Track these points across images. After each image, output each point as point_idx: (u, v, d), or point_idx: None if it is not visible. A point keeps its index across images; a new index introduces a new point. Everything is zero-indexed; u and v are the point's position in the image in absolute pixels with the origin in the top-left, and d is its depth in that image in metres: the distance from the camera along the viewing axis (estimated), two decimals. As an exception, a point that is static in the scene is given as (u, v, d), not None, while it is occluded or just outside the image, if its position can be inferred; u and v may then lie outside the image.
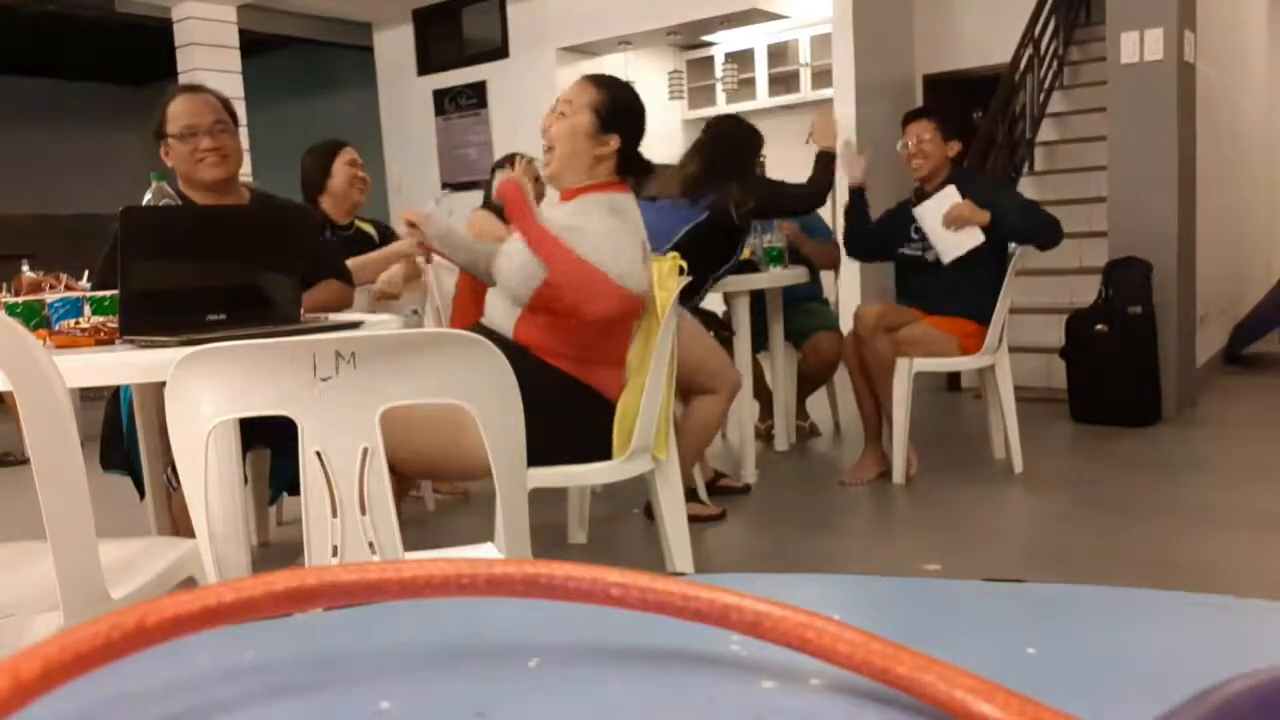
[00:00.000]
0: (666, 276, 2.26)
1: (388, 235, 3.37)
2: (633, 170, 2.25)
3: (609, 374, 2.20)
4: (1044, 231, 3.43)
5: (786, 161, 8.70)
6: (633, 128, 2.23)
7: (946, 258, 3.51)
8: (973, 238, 3.45)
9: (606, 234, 2.09)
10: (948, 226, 3.46)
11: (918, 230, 3.59)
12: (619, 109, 2.21)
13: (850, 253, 3.93)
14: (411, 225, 2.36)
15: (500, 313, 2.22)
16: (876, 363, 3.53)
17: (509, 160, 3.31)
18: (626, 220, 2.14)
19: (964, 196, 3.46)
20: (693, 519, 3.05)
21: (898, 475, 3.54)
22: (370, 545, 1.20)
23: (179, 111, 2.39)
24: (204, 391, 1.13)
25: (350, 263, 2.90)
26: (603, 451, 2.16)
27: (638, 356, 2.25)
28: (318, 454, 1.16)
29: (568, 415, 2.08)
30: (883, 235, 3.74)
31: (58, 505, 1.17)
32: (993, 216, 3.40)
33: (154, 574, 1.40)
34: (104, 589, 1.26)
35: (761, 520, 3.21)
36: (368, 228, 3.34)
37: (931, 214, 3.51)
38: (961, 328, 3.54)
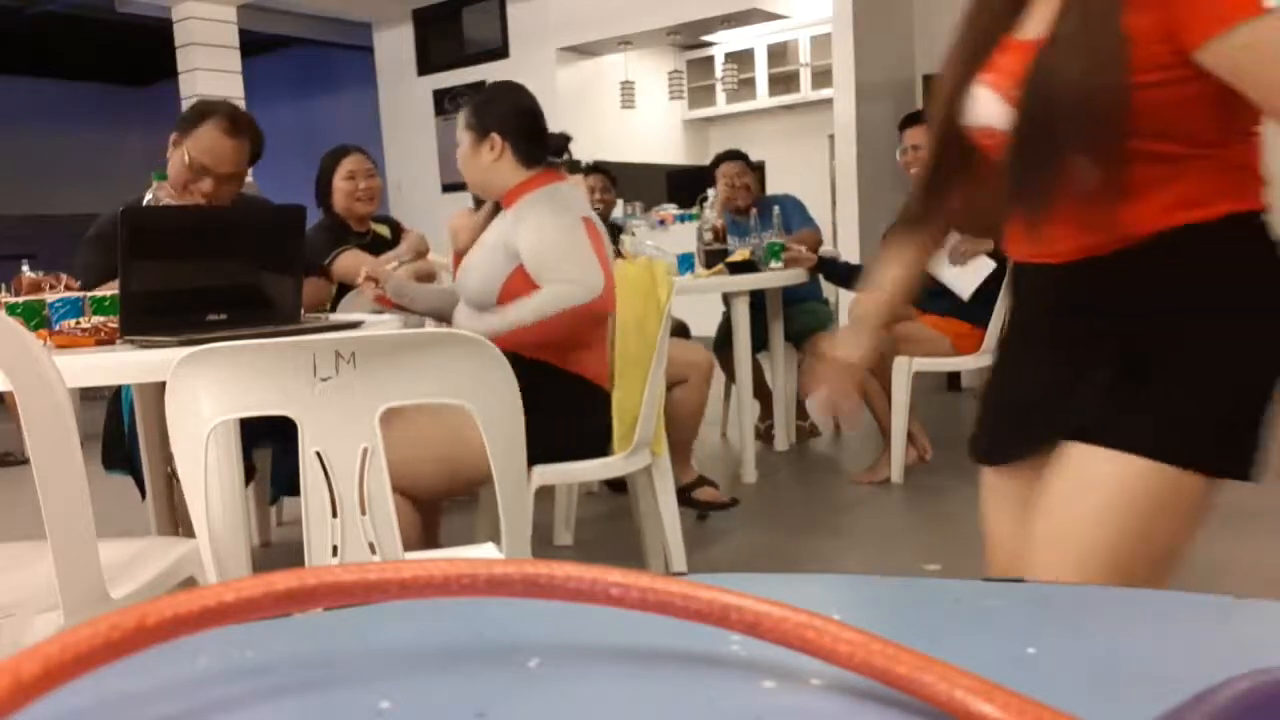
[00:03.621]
0: (662, 277, 2.26)
1: (399, 232, 3.36)
2: (540, 152, 2.22)
3: (593, 358, 2.19)
4: None
5: (785, 162, 8.68)
6: (508, 116, 2.21)
7: (966, 295, 3.49)
8: (984, 267, 3.43)
9: (546, 240, 2.09)
10: (954, 264, 3.46)
11: None
12: (484, 110, 2.22)
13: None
14: (373, 280, 2.36)
15: (471, 327, 2.21)
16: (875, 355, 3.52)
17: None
18: (564, 213, 2.12)
19: None
20: (706, 505, 3.05)
21: (896, 475, 3.54)
22: (370, 545, 1.21)
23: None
24: (204, 391, 1.13)
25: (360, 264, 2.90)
26: (600, 444, 2.17)
27: (632, 350, 2.25)
28: (318, 454, 1.16)
29: (563, 409, 2.08)
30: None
31: (58, 505, 1.17)
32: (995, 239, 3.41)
33: (154, 574, 1.40)
34: (104, 589, 1.26)
35: (761, 520, 3.21)
36: (382, 229, 3.32)
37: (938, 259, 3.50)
38: (954, 327, 3.56)
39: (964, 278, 3.48)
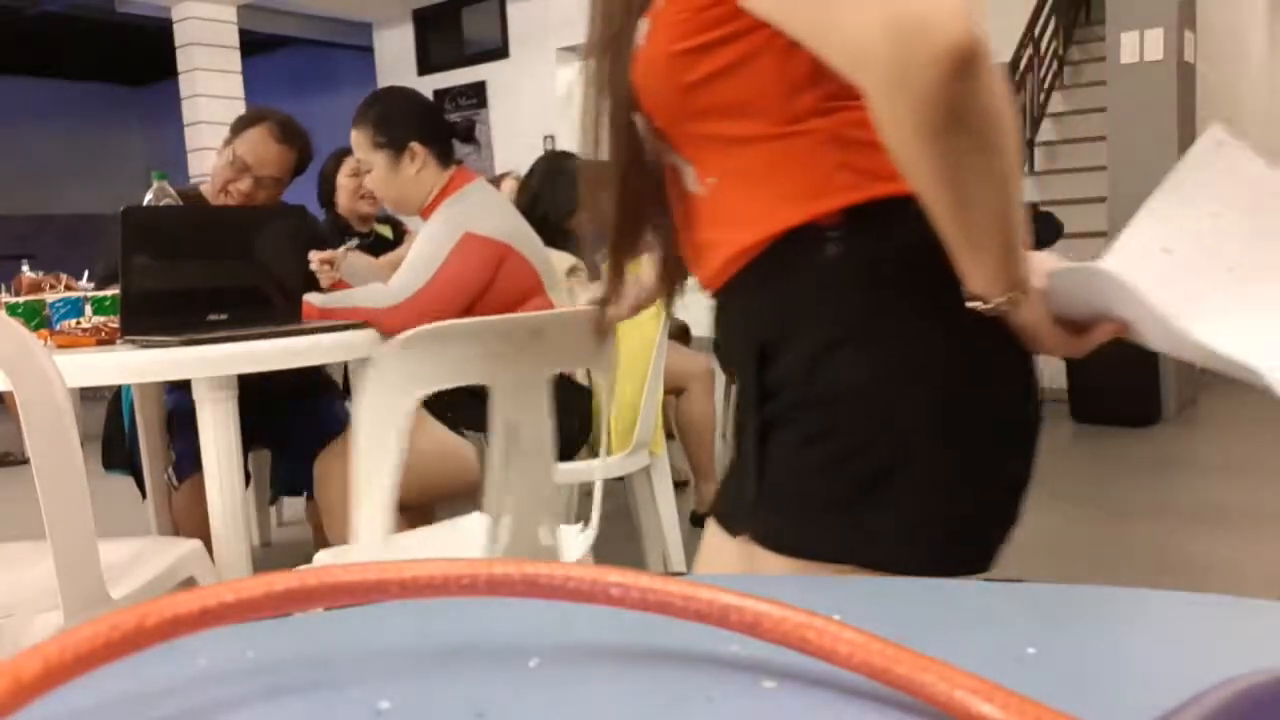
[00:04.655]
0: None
1: (401, 233, 3.36)
2: (452, 148, 2.13)
3: None
4: (1042, 239, 3.47)
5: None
6: (418, 121, 2.11)
7: None
8: None
9: (416, 247, 2.07)
10: None
11: None
12: (392, 122, 2.09)
13: None
14: (326, 264, 2.32)
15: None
16: None
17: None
18: (448, 227, 2.04)
19: None
20: None
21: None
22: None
23: None
24: (417, 366, 1.19)
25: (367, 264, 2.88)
26: (582, 434, 2.17)
27: (630, 349, 2.25)
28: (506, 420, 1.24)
29: None
30: None
31: (58, 505, 1.17)
32: None
33: (154, 574, 1.40)
34: (104, 589, 1.26)
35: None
36: (384, 230, 3.32)
37: None
38: None
39: None
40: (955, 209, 0.70)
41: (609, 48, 0.85)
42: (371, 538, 1.23)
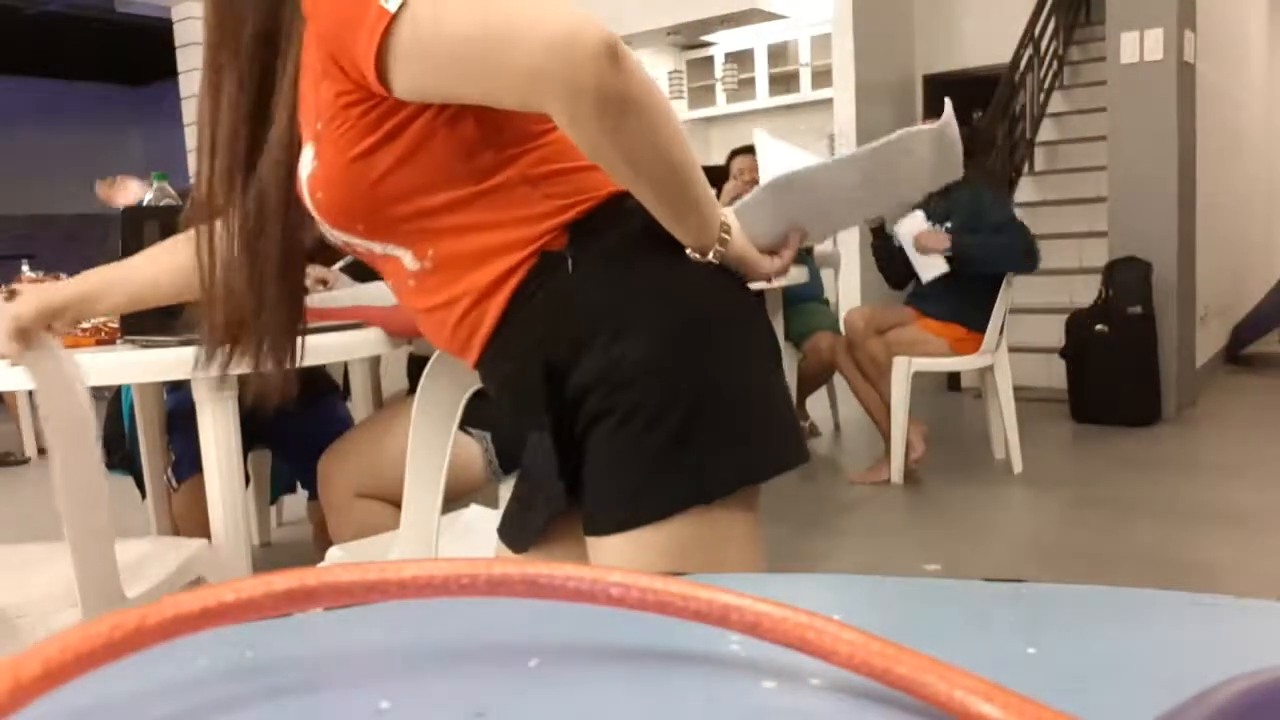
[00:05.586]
0: None
1: None
2: None
3: None
4: (1005, 261, 3.40)
5: (786, 161, 8.54)
6: None
7: (924, 278, 3.53)
8: (938, 265, 3.45)
9: None
10: (919, 252, 3.48)
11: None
12: None
13: (891, 285, 3.91)
14: (323, 281, 2.28)
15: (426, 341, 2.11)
16: (871, 365, 3.55)
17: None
18: None
19: (943, 212, 3.46)
20: None
21: (896, 475, 3.54)
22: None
23: None
24: (460, 369, 1.19)
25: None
26: None
27: None
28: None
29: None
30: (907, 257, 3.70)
31: (76, 507, 1.17)
32: (953, 245, 3.40)
33: (166, 573, 1.41)
34: (120, 589, 1.26)
35: (762, 520, 3.21)
36: None
37: (904, 235, 3.54)
38: (952, 331, 3.56)
39: (921, 263, 3.51)
40: (650, 184, 0.83)
41: (277, 179, 0.91)
42: (423, 524, 1.24)
